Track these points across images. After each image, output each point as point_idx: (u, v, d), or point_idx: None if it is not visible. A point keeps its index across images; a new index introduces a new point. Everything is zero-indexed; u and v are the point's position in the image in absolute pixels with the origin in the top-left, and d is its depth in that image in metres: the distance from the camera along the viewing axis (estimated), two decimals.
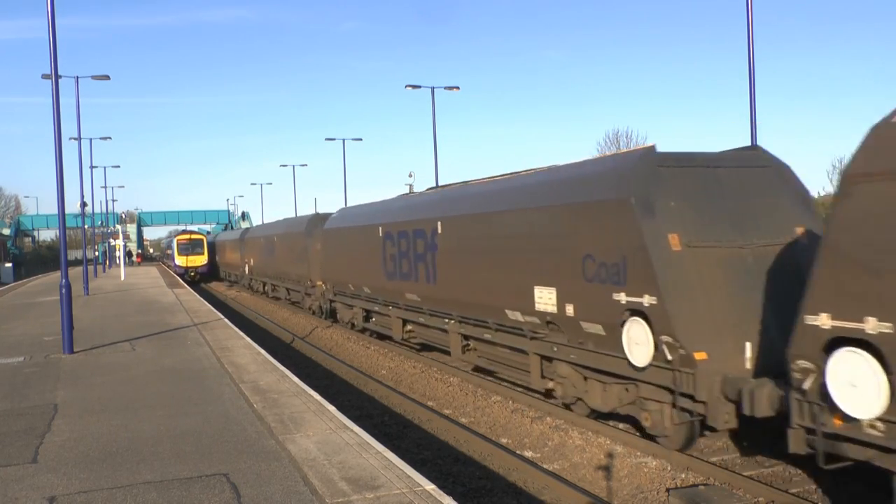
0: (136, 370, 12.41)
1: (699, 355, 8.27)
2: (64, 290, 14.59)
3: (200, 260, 55.48)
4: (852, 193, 6.60)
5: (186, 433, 8.20)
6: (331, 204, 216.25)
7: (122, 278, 45.01)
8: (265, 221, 55.32)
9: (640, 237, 8.85)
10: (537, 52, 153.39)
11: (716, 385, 8.24)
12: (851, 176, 6.64)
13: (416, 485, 6.25)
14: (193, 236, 57.73)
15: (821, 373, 6.70)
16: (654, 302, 8.66)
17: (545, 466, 9.22)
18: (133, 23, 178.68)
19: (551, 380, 11.45)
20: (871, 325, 6.22)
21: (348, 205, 26.04)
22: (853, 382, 6.36)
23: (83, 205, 42.06)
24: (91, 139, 45.08)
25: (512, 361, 12.67)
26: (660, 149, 9.67)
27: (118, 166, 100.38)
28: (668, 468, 8.90)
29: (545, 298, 10.89)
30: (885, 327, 6.11)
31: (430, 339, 16.46)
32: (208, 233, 71.27)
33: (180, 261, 55.16)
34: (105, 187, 74.48)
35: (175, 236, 60.71)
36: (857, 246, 6.45)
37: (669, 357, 8.52)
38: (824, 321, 6.69)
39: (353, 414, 11.27)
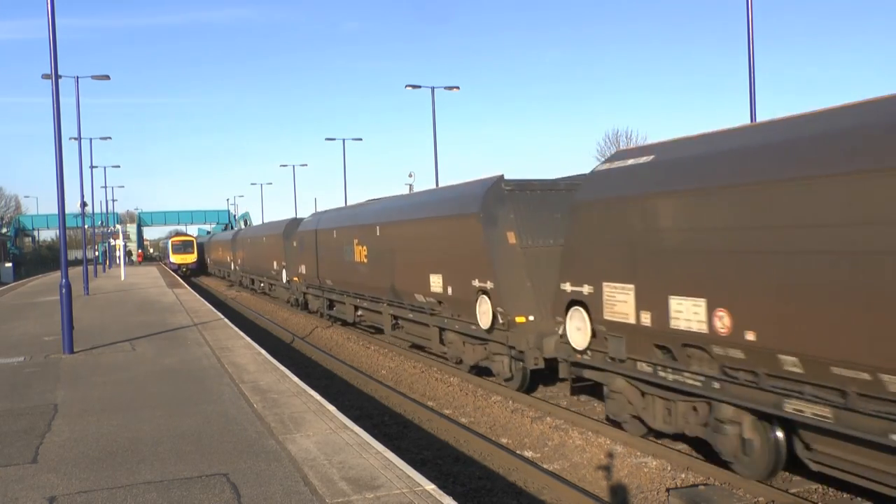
0: (136, 370, 12.42)
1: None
2: (64, 290, 14.58)
3: (191, 258, 65.86)
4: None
5: (186, 433, 8.20)
6: (331, 203, 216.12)
7: (123, 278, 45.04)
8: (265, 221, 56.63)
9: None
10: (537, 52, 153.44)
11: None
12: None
13: (416, 485, 6.25)
14: (185, 238, 69.44)
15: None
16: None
17: (545, 466, 9.22)
18: (133, 23, 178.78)
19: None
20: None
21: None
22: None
23: (83, 205, 42.06)
24: (91, 139, 45.17)
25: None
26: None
27: (118, 166, 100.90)
28: (668, 468, 8.90)
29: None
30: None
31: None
32: (208, 233, 78.01)
33: (174, 258, 65.67)
34: (105, 187, 74.50)
35: (170, 238, 73.38)
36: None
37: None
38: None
39: (353, 414, 11.27)
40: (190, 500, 6.09)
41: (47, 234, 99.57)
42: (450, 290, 14.17)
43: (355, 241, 19.93)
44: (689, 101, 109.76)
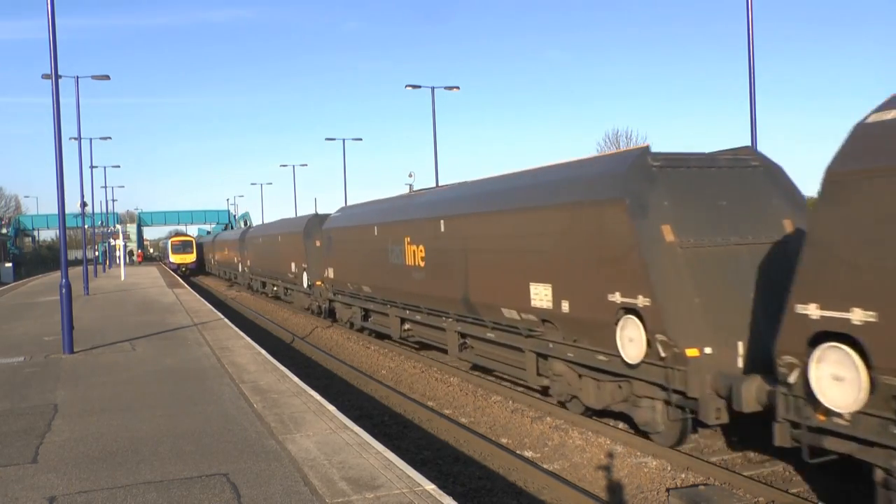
0: (136, 370, 12.42)
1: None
2: (64, 290, 14.58)
3: (190, 258, 67.12)
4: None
5: (186, 433, 8.20)
6: (331, 204, 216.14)
7: (123, 278, 45.02)
8: (265, 221, 56.53)
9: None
10: (538, 53, 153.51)
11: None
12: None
13: (416, 485, 6.25)
14: (184, 238, 70.97)
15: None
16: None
17: (545, 466, 9.22)
18: (133, 23, 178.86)
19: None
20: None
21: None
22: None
23: (83, 205, 42.04)
24: (91, 139, 45.11)
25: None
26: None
27: (118, 166, 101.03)
28: (668, 468, 8.90)
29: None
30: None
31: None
32: (208, 233, 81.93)
33: (174, 258, 66.91)
34: (105, 187, 74.33)
35: (170, 238, 75.67)
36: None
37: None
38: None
39: (353, 414, 11.27)
40: (190, 500, 6.09)
41: (47, 234, 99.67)
42: (565, 307, 10.44)
43: (406, 239, 16.31)
44: (689, 102, 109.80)
